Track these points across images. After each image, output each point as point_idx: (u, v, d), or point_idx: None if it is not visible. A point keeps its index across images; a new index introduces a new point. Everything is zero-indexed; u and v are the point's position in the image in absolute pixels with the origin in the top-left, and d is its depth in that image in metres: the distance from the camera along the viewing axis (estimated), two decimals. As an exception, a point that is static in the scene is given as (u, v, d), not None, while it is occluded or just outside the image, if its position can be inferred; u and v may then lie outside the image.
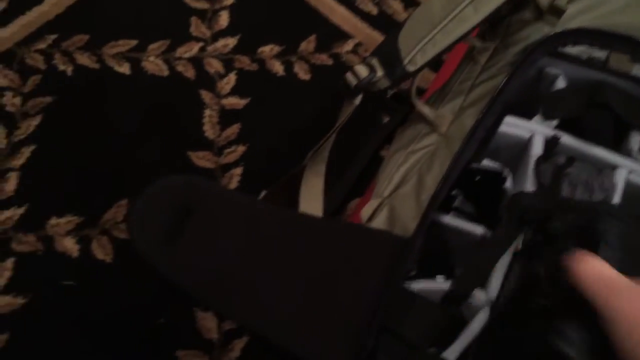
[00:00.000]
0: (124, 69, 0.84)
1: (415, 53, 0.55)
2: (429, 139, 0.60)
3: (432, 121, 0.60)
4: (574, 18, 0.61)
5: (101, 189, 0.75)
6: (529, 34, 0.61)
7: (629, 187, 0.59)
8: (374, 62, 0.57)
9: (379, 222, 0.55)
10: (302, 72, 0.86)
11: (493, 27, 0.64)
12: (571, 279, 0.31)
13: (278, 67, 0.86)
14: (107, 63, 0.84)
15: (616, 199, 0.58)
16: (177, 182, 0.51)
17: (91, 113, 0.80)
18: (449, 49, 0.55)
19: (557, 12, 0.60)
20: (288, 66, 0.86)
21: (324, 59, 0.88)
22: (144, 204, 0.51)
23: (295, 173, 0.61)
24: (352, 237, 0.53)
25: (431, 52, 0.54)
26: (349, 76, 0.57)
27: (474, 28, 0.54)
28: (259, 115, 0.82)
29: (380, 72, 0.56)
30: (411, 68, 0.55)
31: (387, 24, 0.91)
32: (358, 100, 0.57)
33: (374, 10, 0.93)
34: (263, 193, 0.61)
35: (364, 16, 0.92)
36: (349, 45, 0.89)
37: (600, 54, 0.66)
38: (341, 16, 0.92)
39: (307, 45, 0.89)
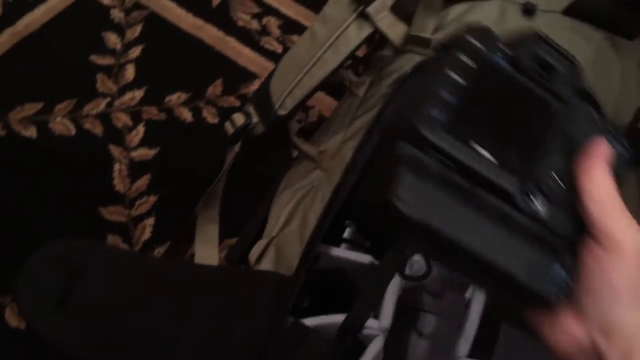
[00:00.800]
0: (31, 132, 0.85)
1: (285, 97, 0.57)
2: (313, 175, 0.62)
3: (314, 157, 0.62)
4: (441, 46, 0.64)
5: (14, 251, 0.75)
6: (401, 65, 0.65)
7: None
8: (250, 109, 0.59)
9: (267, 263, 0.56)
10: (210, 116, 0.88)
11: (366, 62, 0.67)
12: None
13: (186, 114, 0.88)
14: (14, 129, 0.85)
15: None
16: (63, 247, 0.52)
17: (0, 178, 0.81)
18: (315, 90, 0.57)
19: (423, 42, 0.63)
20: (196, 112, 0.88)
21: (231, 101, 0.90)
22: (29, 272, 0.51)
23: (189, 223, 0.63)
24: (240, 281, 0.54)
25: (299, 95, 0.57)
26: (227, 125, 0.59)
27: (336, 69, 0.57)
28: (168, 164, 0.83)
29: (255, 119, 0.58)
30: (283, 112, 0.57)
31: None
32: (237, 147, 0.59)
33: (279, 48, 0.96)
34: (165, 247, 0.62)
35: (269, 55, 0.95)
36: (255, 85, 0.91)
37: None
38: (247, 57, 0.95)
39: (214, 89, 0.91)
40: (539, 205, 0.28)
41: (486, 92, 0.30)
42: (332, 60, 0.56)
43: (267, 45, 0.96)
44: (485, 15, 0.64)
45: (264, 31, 0.98)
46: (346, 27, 0.56)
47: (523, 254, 0.28)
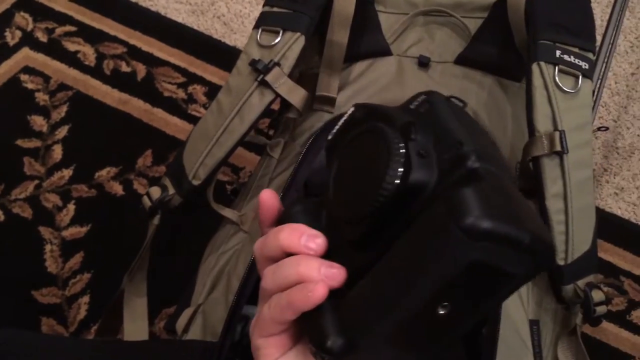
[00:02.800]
0: (-42, 222, 0.84)
1: (198, 167, 0.59)
2: (236, 239, 0.64)
3: (235, 221, 0.64)
4: (347, 102, 0.68)
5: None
6: (312, 124, 0.68)
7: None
8: (166, 181, 0.61)
9: (195, 331, 0.57)
10: (141, 188, 0.89)
11: (276, 125, 0.70)
12: None
13: (117, 188, 0.89)
14: (-61, 220, 0.84)
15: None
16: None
17: None
18: (226, 158, 0.60)
19: (329, 100, 0.67)
20: (127, 184, 0.89)
21: (162, 170, 0.91)
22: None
23: (117, 299, 0.63)
24: (167, 353, 0.55)
25: (211, 164, 0.59)
26: (144, 199, 0.61)
27: (243, 136, 0.59)
28: (101, 240, 0.83)
29: (171, 190, 0.60)
30: (196, 182, 0.59)
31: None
32: (157, 220, 0.60)
33: (206, 114, 0.99)
34: (95, 326, 0.62)
35: (197, 121, 0.97)
36: (185, 153, 0.93)
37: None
38: (175, 126, 0.97)
39: (144, 160, 0.92)
40: None
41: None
42: (239, 128, 0.59)
43: (194, 113, 0.99)
44: (384, 71, 0.68)
45: (191, 99, 1.01)
46: (249, 96, 0.59)
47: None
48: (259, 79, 0.59)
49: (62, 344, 0.57)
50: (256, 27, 0.62)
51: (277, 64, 0.59)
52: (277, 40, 0.61)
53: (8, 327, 0.74)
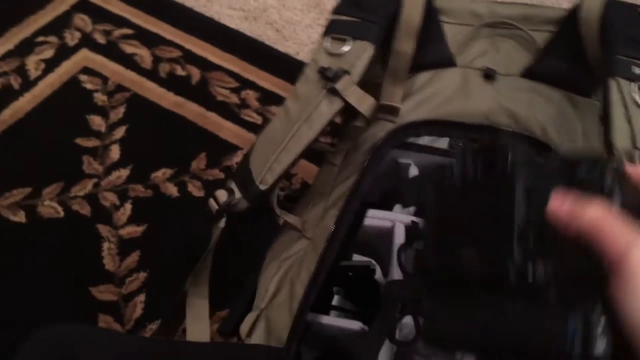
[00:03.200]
0: (20, 217, 0.86)
1: (265, 173, 0.60)
2: (298, 245, 0.64)
3: (298, 228, 0.65)
4: (410, 112, 0.68)
5: (6, 339, 0.75)
6: (375, 133, 0.68)
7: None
8: (233, 185, 0.62)
9: (257, 336, 0.58)
10: (195, 190, 0.91)
11: (340, 133, 0.70)
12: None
13: (172, 189, 0.90)
14: (3, 215, 0.86)
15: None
16: (52, 334, 0.53)
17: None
18: (293, 164, 0.60)
19: (393, 110, 0.67)
20: (182, 186, 0.91)
21: (215, 173, 0.93)
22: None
23: (179, 301, 0.64)
24: (232, 356, 0.55)
25: (278, 170, 0.60)
26: (211, 202, 0.62)
27: (311, 143, 0.60)
28: (157, 240, 0.85)
29: (238, 194, 0.61)
30: (263, 187, 0.60)
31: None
32: (222, 223, 0.61)
33: (259, 120, 1.00)
34: (156, 323, 0.63)
35: (250, 126, 0.99)
36: (238, 157, 0.94)
37: (442, 140, 0.74)
38: (228, 130, 0.99)
39: (198, 163, 0.94)
40: (532, 273, 0.29)
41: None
42: (307, 134, 0.60)
43: (247, 118, 1.00)
44: (448, 82, 0.68)
45: (243, 104, 1.02)
46: (318, 103, 0.60)
47: (543, 325, 0.29)
48: (327, 87, 0.59)
49: (125, 339, 0.58)
50: (325, 34, 0.63)
51: (347, 72, 0.60)
52: (346, 49, 0.61)
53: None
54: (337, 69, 0.59)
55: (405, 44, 0.64)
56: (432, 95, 0.68)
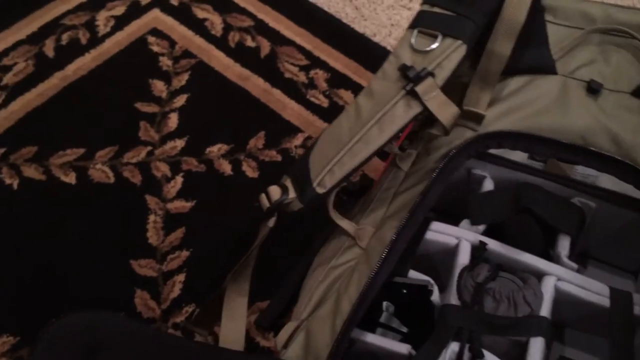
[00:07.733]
0: (70, 178, 0.84)
1: (324, 175, 0.54)
2: (350, 253, 0.58)
3: (352, 235, 0.59)
4: (495, 121, 0.60)
5: (43, 301, 0.74)
6: (451, 139, 0.61)
7: (558, 295, 0.57)
8: (288, 182, 0.56)
9: (295, 350, 0.53)
10: (250, 170, 0.86)
11: (412, 138, 0.63)
12: None
13: (226, 167, 0.86)
14: (54, 174, 0.85)
15: (544, 309, 0.55)
16: (79, 321, 0.50)
17: (34, 226, 0.80)
18: (355, 170, 0.54)
19: (476, 117, 0.60)
20: (236, 165, 0.86)
21: (272, 154, 0.88)
22: (44, 349, 0.49)
23: (219, 294, 0.60)
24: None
25: (339, 174, 0.54)
26: (263, 198, 0.56)
27: (380, 148, 0.53)
28: (204, 219, 0.81)
29: (292, 194, 0.55)
30: (320, 190, 0.54)
31: (337, 115, 0.91)
32: (272, 222, 0.56)
33: (325, 103, 0.94)
34: (192, 306, 0.59)
35: (315, 109, 0.93)
36: (298, 140, 0.89)
37: (522, 155, 0.65)
38: (292, 110, 0.93)
39: (256, 142, 0.89)
40: None
41: None
42: (376, 139, 0.53)
43: (313, 99, 0.94)
44: (545, 91, 0.60)
45: (311, 84, 0.96)
46: (393, 105, 0.53)
47: None
48: (407, 88, 0.52)
49: (149, 334, 0.54)
50: (411, 27, 0.56)
51: (431, 73, 0.53)
52: (434, 46, 0.54)
53: (102, 296, 0.74)
54: (421, 69, 0.52)
55: (502, 45, 0.55)
56: (523, 104, 0.60)
